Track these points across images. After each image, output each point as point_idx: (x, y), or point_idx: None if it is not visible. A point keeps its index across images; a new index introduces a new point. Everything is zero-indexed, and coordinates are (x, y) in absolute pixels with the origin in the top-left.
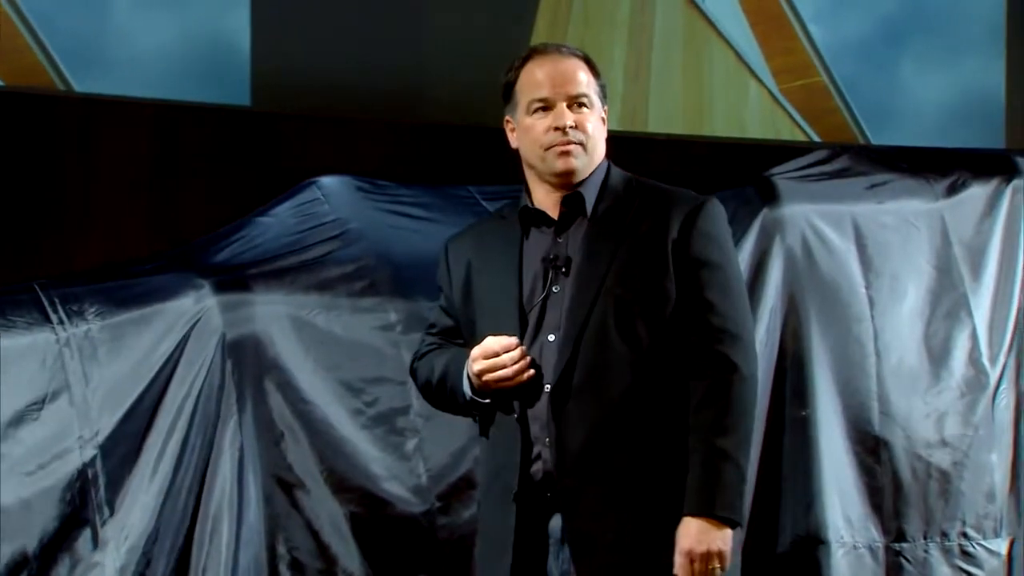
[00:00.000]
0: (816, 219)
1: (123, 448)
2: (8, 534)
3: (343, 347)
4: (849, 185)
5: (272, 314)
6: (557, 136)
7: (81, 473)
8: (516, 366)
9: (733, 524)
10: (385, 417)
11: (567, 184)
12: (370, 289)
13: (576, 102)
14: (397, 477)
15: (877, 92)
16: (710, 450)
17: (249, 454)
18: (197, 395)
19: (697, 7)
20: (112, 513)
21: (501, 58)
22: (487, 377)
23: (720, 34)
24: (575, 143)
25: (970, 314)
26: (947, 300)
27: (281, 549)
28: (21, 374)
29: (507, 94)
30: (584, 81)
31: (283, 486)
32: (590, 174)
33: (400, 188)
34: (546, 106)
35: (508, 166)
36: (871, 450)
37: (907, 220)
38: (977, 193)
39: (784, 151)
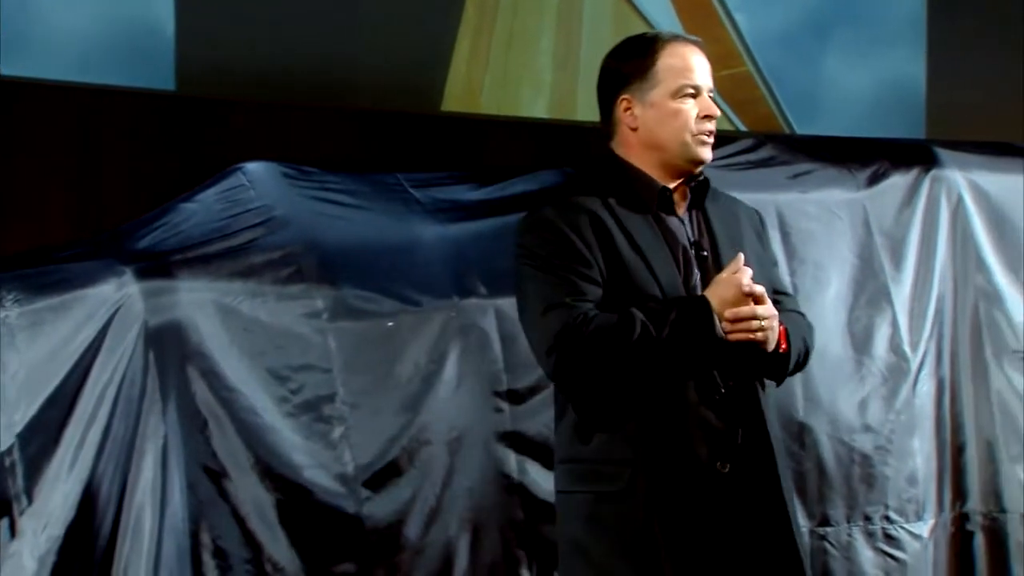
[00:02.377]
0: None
1: (42, 437)
2: None
3: (268, 334)
4: (773, 174)
5: (196, 301)
6: (706, 124)
7: None
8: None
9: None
10: (311, 405)
11: (692, 171)
12: (296, 276)
13: (711, 95)
14: (323, 465)
15: (802, 82)
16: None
17: (173, 442)
18: (119, 383)
19: (631, 2)
20: (30, 502)
21: (429, 45)
22: (746, 319)
23: (648, 22)
24: (714, 133)
25: (891, 302)
26: (869, 288)
27: (206, 538)
28: None
29: (638, 74)
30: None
31: (208, 474)
32: None
33: (327, 175)
34: (696, 93)
35: (434, 153)
36: (795, 436)
37: (830, 209)
38: (898, 183)
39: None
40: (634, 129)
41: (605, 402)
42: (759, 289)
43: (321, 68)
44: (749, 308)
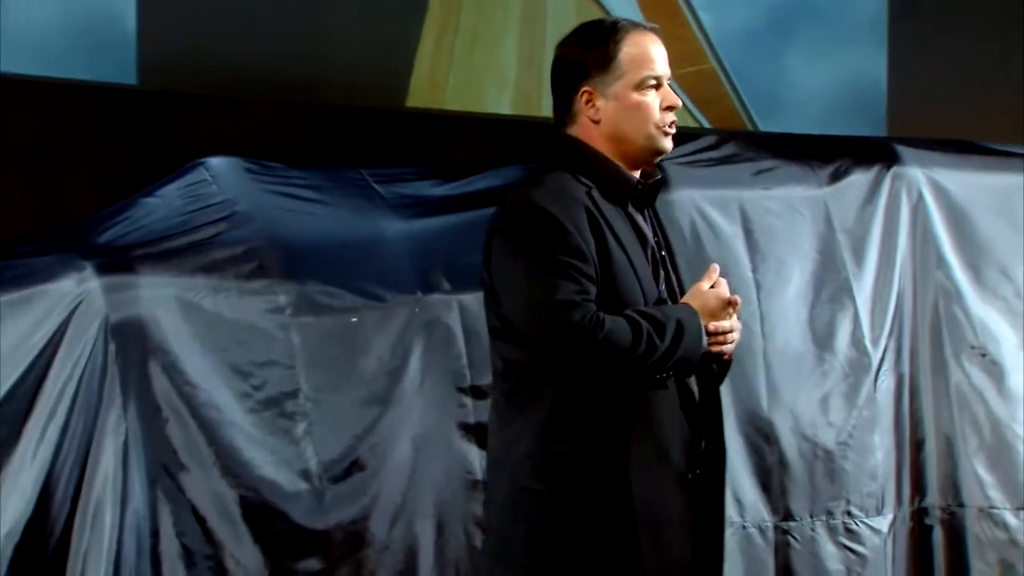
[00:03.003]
0: (704, 204)
1: (2, 432)
2: None
3: (231, 330)
4: (736, 171)
5: (158, 296)
6: (668, 116)
7: None
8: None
9: None
10: (274, 401)
11: (651, 162)
12: (259, 271)
13: (670, 83)
14: (286, 462)
15: (765, 80)
16: None
17: (133, 439)
18: (79, 379)
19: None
20: None
21: (394, 42)
22: (724, 330)
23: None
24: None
25: (852, 298)
26: (830, 284)
27: (167, 535)
28: None
29: (600, 64)
30: None
31: (169, 471)
32: None
33: (291, 170)
34: (658, 84)
35: (399, 149)
36: (760, 431)
37: (792, 206)
38: (859, 180)
39: (674, 137)
40: (596, 122)
41: (591, 401)
42: (737, 299)
43: (285, 63)
44: (729, 323)
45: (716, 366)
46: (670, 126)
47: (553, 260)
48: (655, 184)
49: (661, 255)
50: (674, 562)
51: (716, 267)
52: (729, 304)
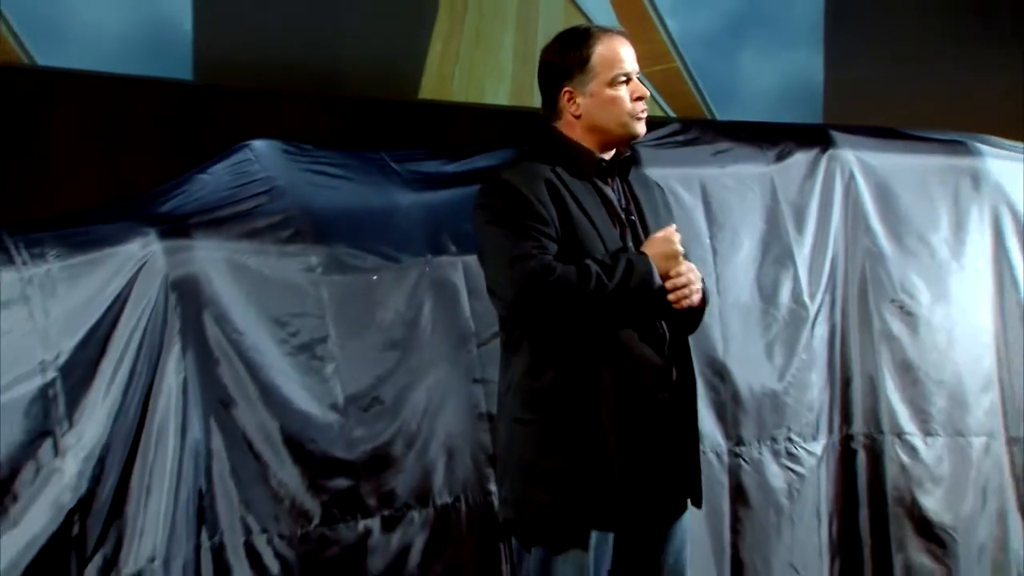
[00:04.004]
0: (671, 180)
1: (80, 371)
2: None
3: (271, 286)
4: (697, 152)
5: (210, 258)
6: (638, 105)
7: (43, 391)
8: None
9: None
10: (306, 346)
11: (628, 145)
12: (294, 237)
13: (638, 77)
14: (318, 396)
15: (721, 76)
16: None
17: (191, 377)
18: (144, 327)
19: (575, 3)
20: (71, 426)
21: (408, 43)
22: (682, 284)
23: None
24: (646, 111)
25: (793, 260)
26: (775, 249)
27: (220, 456)
28: None
29: (577, 67)
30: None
31: (221, 404)
32: None
33: (320, 151)
34: (628, 79)
35: (412, 134)
36: (716, 372)
37: (744, 182)
38: (800, 160)
39: (647, 123)
40: (578, 116)
41: (561, 340)
42: (683, 254)
43: (317, 62)
44: (686, 277)
45: (687, 315)
46: (641, 113)
47: (516, 224)
48: (625, 160)
49: (630, 219)
50: (646, 474)
51: (673, 226)
52: (679, 253)
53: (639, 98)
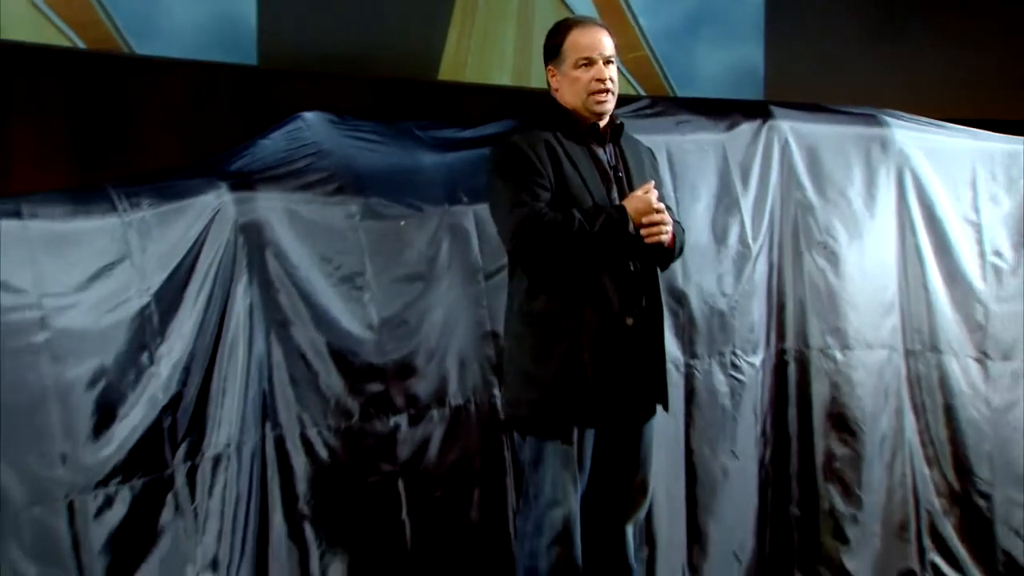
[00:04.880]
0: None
1: (169, 297)
2: (92, 352)
3: (319, 229)
4: (663, 123)
5: (270, 206)
6: (598, 85)
7: (141, 313)
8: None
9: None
10: (347, 278)
11: (594, 119)
12: (338, 190)
13: (608, 60)
14: (357, 318)
15: (681, 63)
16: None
17: (255, 302)
18: (218, 262)
19: (564, 3)
20: (163, 340)
21: (430, 34)
22: (655, 221)
23: None
24: (609, 91)
25: (740, 209)
26: (725, 200)
27: (279, 365)
28: (99, 245)
29: (554, 52)
30: (611, 45)
31: (279, 324)
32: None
33: (358, 121)
34: (589, 61)
35: (433, 108)
36: (676, 298)
37: (701, 147)
38: (746, 129)
39: (619, 100)
40: (557, 91)
41: (551, 272)
42: (662, 205)
43: (356, 49)
44: (660, 216)
45: (658, 254)
46: (601, 93)
47: (517, 178)
48: (616, 127)
49: (618, 176)
50: (616, 382)
51: (652, 183)
52: (656, 209)
53: (598, 80)
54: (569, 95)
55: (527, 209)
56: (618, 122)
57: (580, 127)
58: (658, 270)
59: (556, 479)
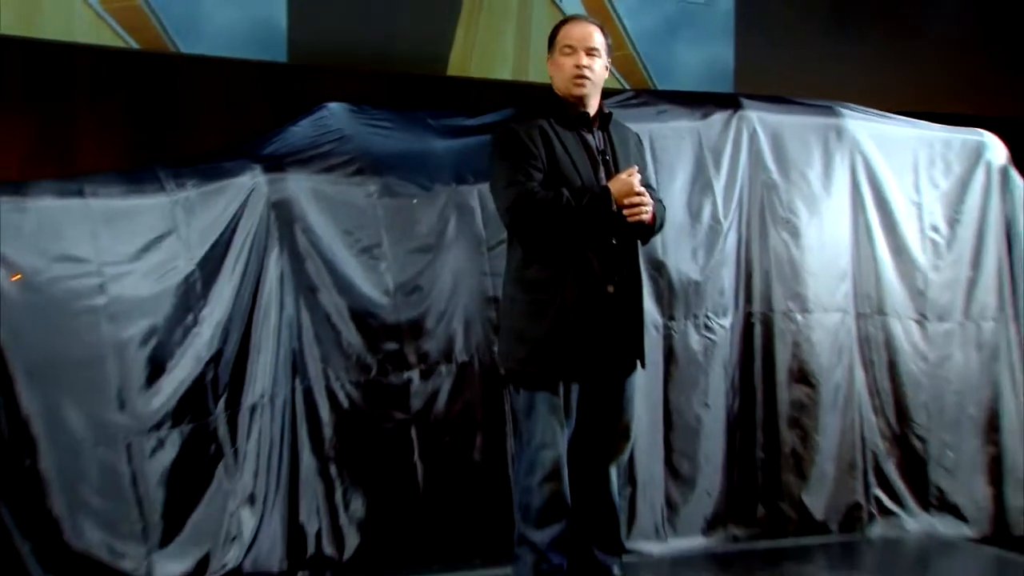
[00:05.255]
0: None
1: (210, 266)
2: (145, 314)
3: (341, 207)
4: (646, 112)
5: (298, 186)
6: (576, 71)
7: (187, 279)
8: (648, 209)
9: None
10: (367, 249)
11: (580, 102)
12: (358, 172)
13: (590, 51)
14: (375, 284)
15: (661, 61)
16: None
17: (285, 270)
18: (253, 235)
19: (557, 7)
20: (206, 303)
21: (440, 34)
22: (636, 202)
23: None
24: (586, 77)
25: (712, 189)
26: (700, 181)
27: (307, 327)
28: (149, 220)
29: (550, 43)
30: (596, 38)
31: (307, 289)
32: (600, 100)
33: (376, 110)
34: (571, 50)
35: (442, 99)
36: (656, 268)
37: (679, 133)
38: (718, 117)
39: (605, 93)
40: (552, 78)
41: (543, 244)
42: (642, 188)
43: (375, 47)
44: (640, 198)
45: (639, 230)
46: (579, 79)
47: (511, 158)
48: (604, 117)
49: (605, 159)
50: (597, 342)
51: (635, 167)
52: (637, 191)
53: (577, 66)
54: (558, 80)
55: (521, 188)
56: (607, 111)
57: (571, 114)
58: (639, 244)
59: (545, 425)
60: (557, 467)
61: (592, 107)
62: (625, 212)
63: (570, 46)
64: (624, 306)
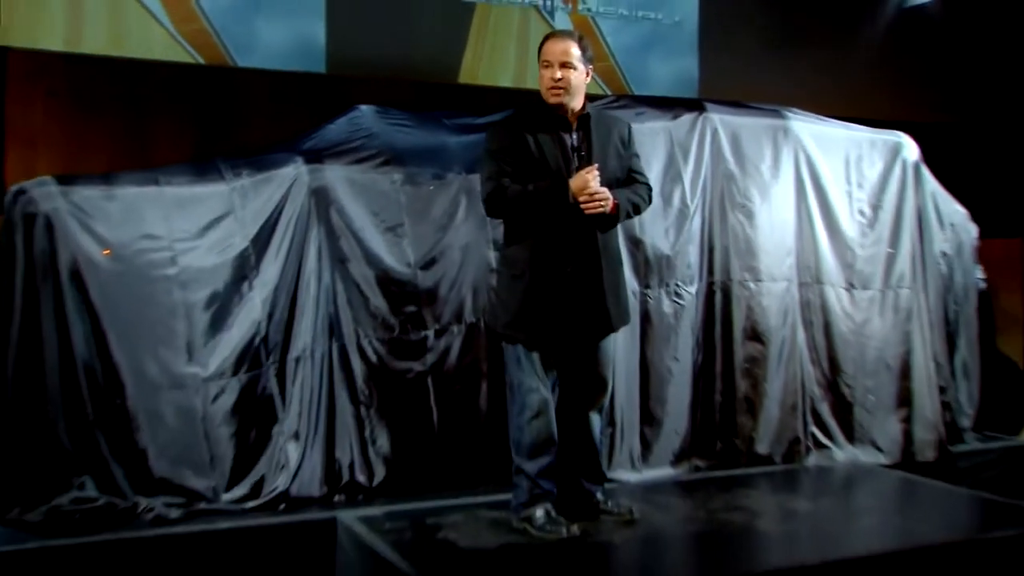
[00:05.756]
0: None
1: (261, 243)
2: (208, 282)
3: (370, 192)
4: (626, 113)
5: (334, 175)
6: (549, 83)
7: (242, 253)
8: (606, 203)
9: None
10: (391, 228)
11: (557, 107)
12: (384, 163)
13: (563, 64)
14: (397, 258)
15: (638, 71)
16: (638, 191)
17: (323, 246)
18: (296, 216)
19: (551, 25)
20: (258, 274)
21: (453, 47)
22: (592, 199)
23: None
24: (560, 88)
25: (682, 179)
26: (671, 172)
27: (341, 294)
28: (211, 204)
29: (538, 55)
30: (571, 52)
31: (341, 262)
32: (583, 104)
33: (399, 112)
34: (548, 64)
35: (455, 103)
36: (635, 244)
37: (654, 132)
38: (686, 119)
39: (593, 98)
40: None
41: (514, 228)
42: (597, 187)
43: (398, 60)
44: (595, 194)
45: (599, 220)
46: (554, 88)
47: (493, 153)
48: (582, 118)
49: (580, 155)
50: (560, 314)
51: (595, 166)
52: (589, 188)
53: (551, 78)
54: (540, 89)
55: (494, 183)
56: (585, 112)
57: (550, 118)
58: (598, 232)
59: (530, 373)
60: (543, 407)
61: (573, 109)
62: (582, 205)
63: (547, 61)
64: (583, 283)
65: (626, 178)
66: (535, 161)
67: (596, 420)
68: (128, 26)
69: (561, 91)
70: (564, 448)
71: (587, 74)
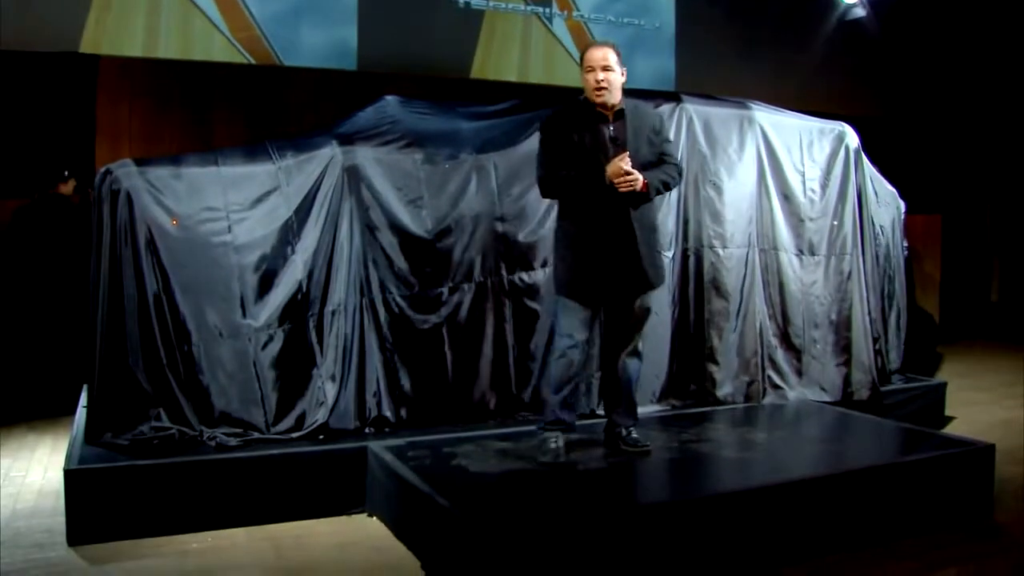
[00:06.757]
0: None
1: (303, 213)
2: (258, 247)
3: (395, 170)
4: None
5: (364, 155)
6: (594, 84)
7: (287, 223)
8: (636, 183)
9: (647, 188)
10: (412, 201)
11: (599, 105)
12: (407, 145)
13: (604, 68)
14: (417, 225)
15: (628, 72)
16: (667, 170)
17: (354, 216)
18: (331, 191)
19: (551, 32)
20: (299, 239)
21: (467, 49)
22: (624, 180)
23: (565, 48)
24: (604, 88)
25: None
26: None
27: (370, 256)
28: (260, 181)
29: (580, 62)
30: (610, 57)
31: (369, 229)
32: (620, 100)
33: (419, 102)
34: (591, 68)
35: (468, 95)
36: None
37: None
38: (666, 108)
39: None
40: (583, 86)
41: (565, 205)
42: (629, 169)
43: (418, 60)
44: (625, 177)
45: (632, 197)
46: (598, 90)
47: (544, 143)
48: (617, 112)
49: (617, 144)
50: (601, 275)
51: (627, 153)
52: (625, 171)
53: (596, 80)
54: (586, 90)
55: (545, 169)
56: (620, 107)
57: (591, 111)
58: (630, 207)
59: (569, 322)
60: (568, 351)
61: (611, 105)
62: (616, 185)
63: (590, 66)
64: (620, 249)
65: (657, 161)
66: (578, 150)
67: (632, 364)
68: (195, 35)
69: (604, 91)
70: (604, 387)
71: (623, 75)
